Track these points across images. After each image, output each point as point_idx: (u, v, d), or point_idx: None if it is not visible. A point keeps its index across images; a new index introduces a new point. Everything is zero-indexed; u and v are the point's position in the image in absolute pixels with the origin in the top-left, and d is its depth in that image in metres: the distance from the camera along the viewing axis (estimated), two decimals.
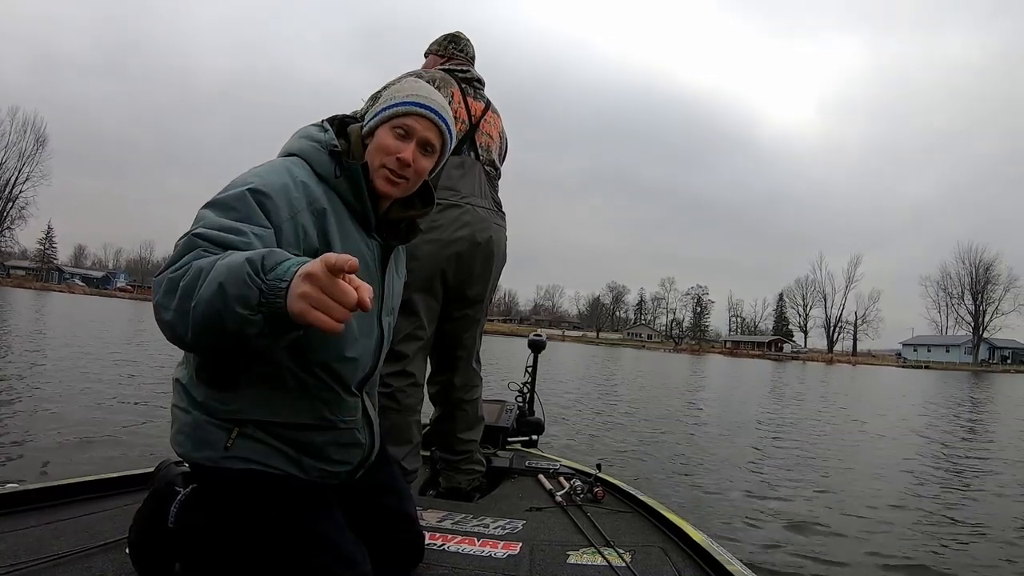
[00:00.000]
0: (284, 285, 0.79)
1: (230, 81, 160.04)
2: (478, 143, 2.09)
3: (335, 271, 0.75)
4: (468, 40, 2.26)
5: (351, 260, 0.75)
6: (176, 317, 0.86)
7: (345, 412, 1.16)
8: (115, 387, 6.50)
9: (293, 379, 1.10)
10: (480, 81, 2.19)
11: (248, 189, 0.99)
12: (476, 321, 2.15)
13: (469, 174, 2.04)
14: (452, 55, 2.21)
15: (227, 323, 0.82)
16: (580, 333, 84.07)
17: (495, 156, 2.17)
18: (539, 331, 3.91)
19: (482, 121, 2.12)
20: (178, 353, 1.09)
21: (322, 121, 1.20)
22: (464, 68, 2.17)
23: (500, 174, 2.22)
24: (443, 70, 2.11)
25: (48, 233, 74.62)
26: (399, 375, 1.94)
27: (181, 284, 0.85)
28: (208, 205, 0.99)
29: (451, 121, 1.22)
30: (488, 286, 2.11)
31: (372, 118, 1.18)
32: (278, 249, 0.86)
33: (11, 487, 1.58)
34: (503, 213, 2.16)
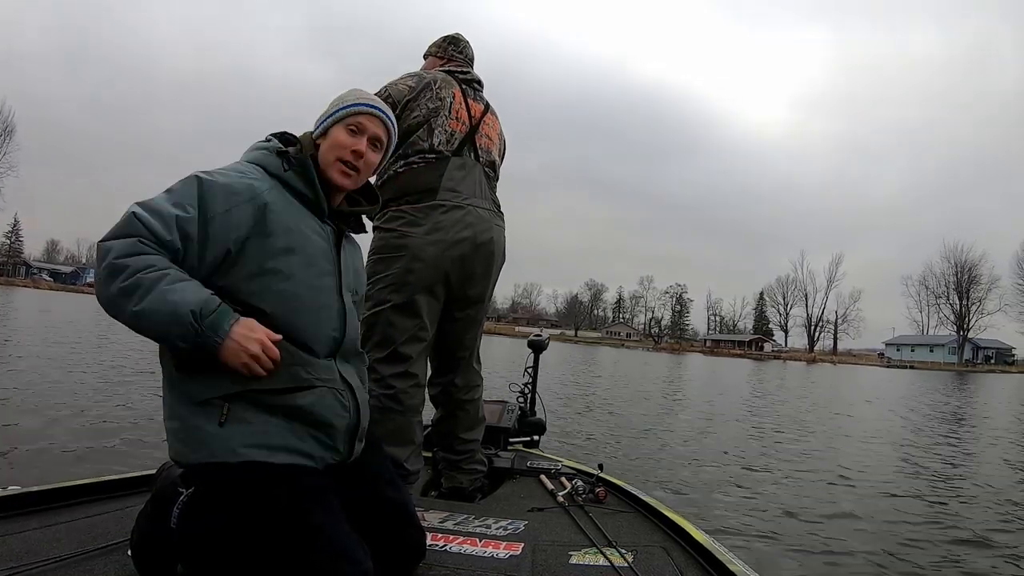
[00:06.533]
0: (219, 341, 1.08)
1: (192, 76, 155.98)
2: (478, 144, 2.10)
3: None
4: (467, 42, 2.28)
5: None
6: (112, 306, 1.08)
7: (320, 371, 1.23)
8: (112, 387, 6.35)
9: None
10: (479, 83, 2.21)
11: (197, 176, 1.17)
12: (477, 321, 2.16)
13: (470, 176, 2.05)
14: (451, 57, 2.23)
15: (165, 341, 1.11)
16: (558, 331, 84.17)
17: (495, 157, 2.19)
18: (540, 331, 3.92)
19: (481, 123, 2.13)
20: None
21: (267, 136, 1.36)
22: (464, 70, 2.18)
23: (498, 176, 2.23)
24: (444, 71, 2.12)
25: (15, 226, 72.50)
26: (402, 376, 1.93)
27: (121, 284, 1.06)
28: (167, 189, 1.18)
29: (394, 121, 1.41)
30: (489, 286, 2.12)
31: (325, 120, 1.34)
32: (208, 293, 1.11)
33: (12, 489, 1.56)
34: (502, 214, 2.18)
